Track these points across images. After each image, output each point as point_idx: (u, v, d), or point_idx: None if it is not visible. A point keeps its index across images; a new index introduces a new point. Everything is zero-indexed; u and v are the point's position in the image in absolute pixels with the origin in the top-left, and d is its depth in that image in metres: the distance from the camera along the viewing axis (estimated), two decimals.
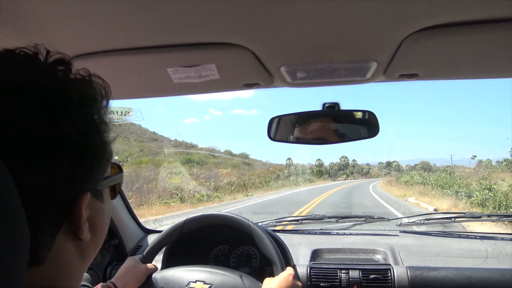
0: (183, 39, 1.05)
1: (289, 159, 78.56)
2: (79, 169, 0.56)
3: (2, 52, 0.57)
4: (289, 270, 1.40)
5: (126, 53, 1.10)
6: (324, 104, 1.42)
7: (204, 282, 1.45)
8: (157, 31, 1.01)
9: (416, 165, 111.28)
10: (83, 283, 1.72)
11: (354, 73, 1.21)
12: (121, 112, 1.62)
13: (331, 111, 1.41)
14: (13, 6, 0.89)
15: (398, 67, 1.17)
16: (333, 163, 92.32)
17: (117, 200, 1.97)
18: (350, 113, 1.45)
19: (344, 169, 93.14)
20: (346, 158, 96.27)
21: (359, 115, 1.44)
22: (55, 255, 0.56)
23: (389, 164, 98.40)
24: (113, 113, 1.63)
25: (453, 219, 2.20)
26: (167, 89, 1.34)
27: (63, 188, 0.54)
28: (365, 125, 1.43)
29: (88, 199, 0.58)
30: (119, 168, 0.71)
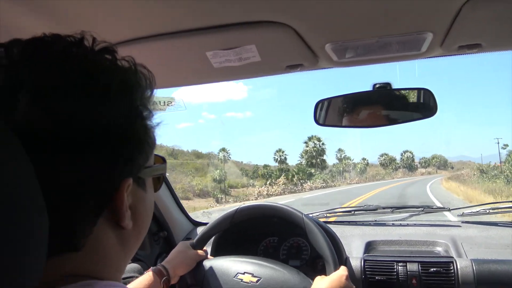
0: (220, 20, 1.01)
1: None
2: (121, 154, 0.55)
3: (47, 36, 0.56)
4: (342, 270, 1.32)
5: (163, 38, 1.07)
6: (374, 85, 1.32)
7: (253, 275, 1.41)
8: (194, 12, 0.97)
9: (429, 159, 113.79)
10: (132, 274, 1.75)
11: (407, 47, 1.11)
12: (164, 102, 1.62)
13: (383, 91, 1.31)
14: None
15: (457, 37, 1.05)
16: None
17: (165, 192, 1.98)
18: (403, 92, 1.34)
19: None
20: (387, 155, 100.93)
21: (413, 94, 1.33)
22: (94, 242, 0.55)
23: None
24: (156, 103, 1.62)
25: None
26: (207, 75, 1.30)
27: (105, 173, 0.53)
28: (420, 105, 1.32)
29: (131, 186, 0.57)
30: (162, 160, 0.71)
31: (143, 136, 0.59)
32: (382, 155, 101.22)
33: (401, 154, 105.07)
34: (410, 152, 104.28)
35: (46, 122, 0.49)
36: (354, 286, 1.30)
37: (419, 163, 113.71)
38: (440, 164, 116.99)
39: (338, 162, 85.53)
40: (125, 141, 0.55)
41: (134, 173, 0.58)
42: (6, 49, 0.53)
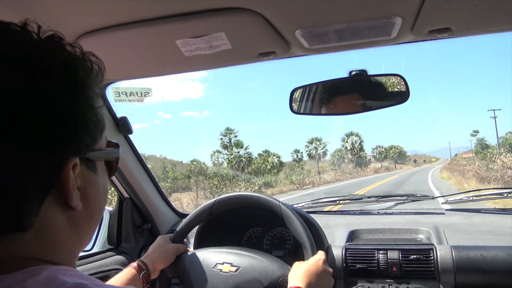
0: (189, 7, 1.00)
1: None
2: (64, 131, 0.55)
3: None
4: (319, 255, 1.32)
5: (131, 27, 1.06)
6: (350, 72, 1.32)
7: (232, 264, 1.41)
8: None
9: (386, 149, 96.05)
10: (116, 266, 1.75)
11: (377, 32, 1.10)
12: (141, 92, 1.61)
13: (359, 78, 1.31)
14: None
15: (426, 21, 1.04)
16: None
17: (149, 185, 1.97)
18: (379, 78, 1.33)
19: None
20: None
21: (388, 80, 1.33)
22: (43, 222, 0.55)
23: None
24: (133, 94, 1.61)
25: (505, 194, 2.01)
26: (179, 64, 1.29)
27: (48, 151, 0.53)
28: (394, 91, 1.31)
29: (78, 167, 0.57)
30: (115, 145, 0.71)
31: (87, 115, 0.59)
32: (311, 142, 72.45)
33: (343, 140, 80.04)
34: (356, 136, 79.05)
35: None
36: (331, 270, 1.31)
37: (372, 156, 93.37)
38: (398, 157, 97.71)
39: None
40: (68, 118, 0.56)
41: (82, 154, 0.59)
42: None
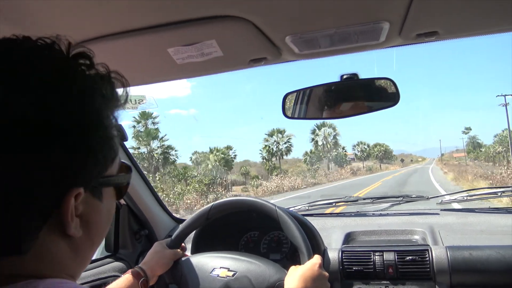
0: (179, 16, 1.01)
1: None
2: (70, 163, 0.53)
3: (18, 37, 0.55)
4: (315, 259, 1.33)
5: (123, 36, 1.07)
6: (342, 76, 1.33)
7: (229, 269, 1.42)
8: (153, 9, 0.97)
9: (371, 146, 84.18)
10: (114, 273, 1.75)
11: (366, 37, 1.11)
12: (135, 100, 1.62)
13: (350, 82, 1.32)
14: None
15: (414, 25, 1.06)
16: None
17: (145, 191, 1.98)
18: (370, 82, 1.35)
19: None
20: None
21: (379, 83, 1.34)
22: (41, 247, 0.54)
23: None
24: (128, 101, 1.62)
25: (499, 193, 2.02)
26: (171, 72, 1.30)
27: (51, 180, 0.52)
28: (385, 94, 1.33)
29: (82, 195, 0.55)
30: (127, 169, 0.68)
31: (100, 147, 0.57)
32: (271, 134, 56.96)
33: (313, 132, 62.89)
34: (330, 127, 62.10)
35: (2, 119, 0.49)
36: (327, 274, 1.31)
37: (354, 154, 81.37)
38: (383, 156, 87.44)
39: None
40: (78, 149, 0.54)
41: (87, 183, 0.56)
42: None
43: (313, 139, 63.30)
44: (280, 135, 56.67)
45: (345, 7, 0.98)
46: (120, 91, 0.61)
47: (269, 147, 56.72)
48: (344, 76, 1.33)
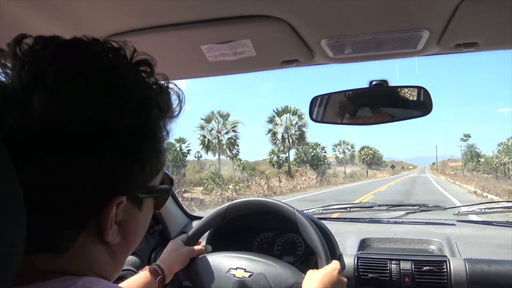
0: (215, 13, 1.00)
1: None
2: (118, 171, 0.53)
3: (87, 40, 0.56)
4: (334, 264, 1.31)
5: (157, 30, 1.06)
6: (371, 82, 1.31)
7: (245, 270, 1.41)
8: (189, 5, 0.96)
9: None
10: (128, 267, 1.75)
11: (403, 45, 1.10)
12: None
13: (380, 88, 1.30)
14: None
15: (454, 35, 1.04)
16: None
17: None
18: (400, 90, 1.33)
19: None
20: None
21: (410, 92, 1.32)
22: (80, 248, 0.55)
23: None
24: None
25: None
26: (202, 69, 1.29)
27: (96, 185, 0.52)
28: (416, 103, 1.31)
29: (124, 203, 0.55)
30: (170, 182, 0.69)
31: (148, 157, 0.57)
32: (204, 122, 38.59)
33: (270, 120, 42.72)
34: (294, 113, 43.19)
35: (63, 119, 0.49)
36: (345, 280, 1.30)
37: (335, 157, 67.20)
38: (371, 161, 77.52)
39: None
40: (127, 162, 0.54)
41: (130, 192, 0.57)
42: (17, 45, 0.53)
43: (270, 130, 43.40)
44: (221, 120, 36.67)
45: (387, 13, 0.96)
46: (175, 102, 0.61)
47: (204, 137, 38.78)
48: (373, 82, 1.31)
